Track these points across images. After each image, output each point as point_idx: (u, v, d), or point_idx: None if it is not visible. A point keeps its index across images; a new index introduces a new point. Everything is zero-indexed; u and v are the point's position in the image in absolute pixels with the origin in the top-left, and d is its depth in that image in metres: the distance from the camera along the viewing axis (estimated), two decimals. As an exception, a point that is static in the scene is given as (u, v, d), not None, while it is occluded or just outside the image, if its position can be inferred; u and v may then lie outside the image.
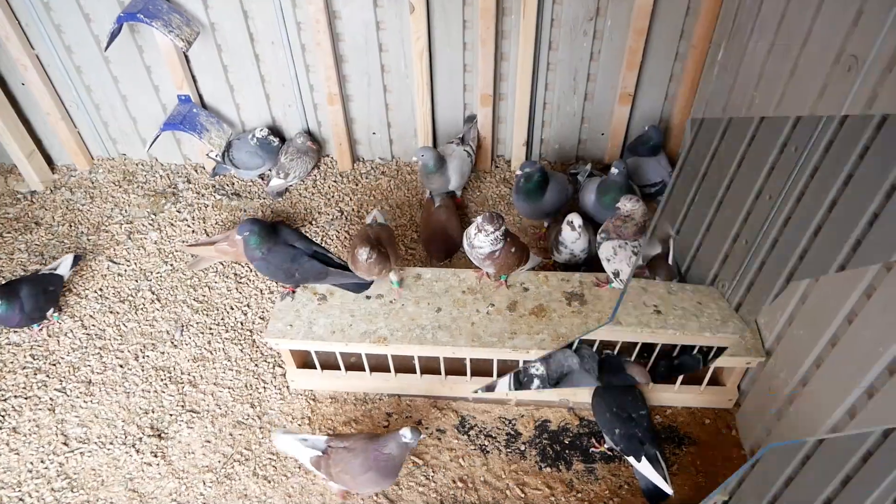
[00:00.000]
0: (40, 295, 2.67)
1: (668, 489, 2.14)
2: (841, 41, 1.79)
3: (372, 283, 2.47)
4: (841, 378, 1.79)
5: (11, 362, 2.69)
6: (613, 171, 2.74)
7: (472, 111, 3.19)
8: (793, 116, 2.04)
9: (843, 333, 1.79)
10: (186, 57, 3.04)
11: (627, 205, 2.29)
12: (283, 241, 2.39)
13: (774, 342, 2.19)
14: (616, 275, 2.31)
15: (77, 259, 2.91)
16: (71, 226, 3.20)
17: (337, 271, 2.41)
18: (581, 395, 2.49)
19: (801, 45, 2.00)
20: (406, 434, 2.02)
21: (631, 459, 2.21)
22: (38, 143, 3.37)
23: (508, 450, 2.41)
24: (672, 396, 2.48)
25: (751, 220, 2.22)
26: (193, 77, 3.13)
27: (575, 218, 2.55)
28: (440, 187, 3.06)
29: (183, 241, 3.10)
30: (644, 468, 2.17)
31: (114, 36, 2.80)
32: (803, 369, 2.00)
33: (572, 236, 2.59)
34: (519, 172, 2.77)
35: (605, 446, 2.39)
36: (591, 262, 2.68)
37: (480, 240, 2.25)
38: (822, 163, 1.87)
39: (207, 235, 3.10)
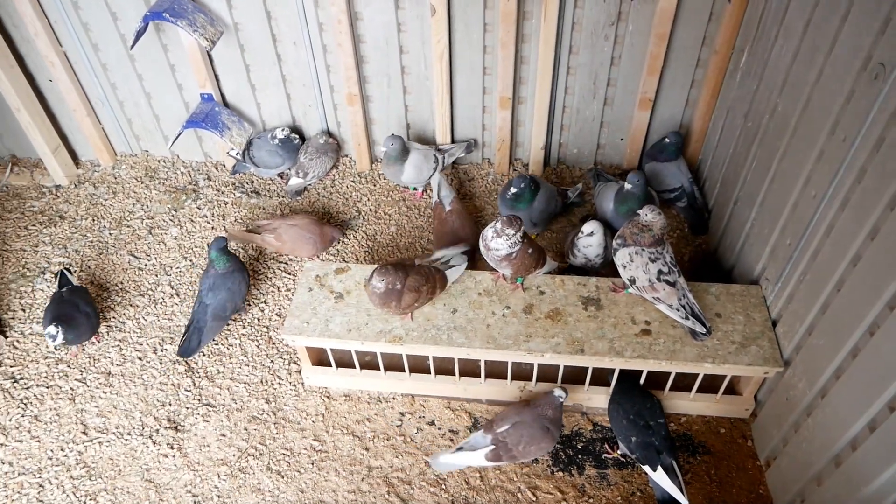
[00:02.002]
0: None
1: (684, 500, 2.11)
2: (868, 48, 1.76)
3: None
4: (862, 390, 1.77)
5: (34, 352, 2.74)
6: (627, 185, 2.71)
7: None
8: (817, 124, 2.02)
9: (864, 345, 1.77)
10: (210, 56, 3.08)
11: (649, 215, 2.25)
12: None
13: (793, 352, 2.16)
14: (632, 281, 2.30)
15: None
16: (94, 220, 3.25)
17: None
18: (595, 401, 2.48)
19: (827, 51, 1.98)
20: (560, 394, 2.25)
21: (646, 468, 2.19)
22: (63, 138, 3.44)
23: (521, 453, 2.41)
24: (687, 404, 2.46)
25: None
26: (216, 76, 3.17)
27: (587, 227, 2.56)
28: (392, 176, 3.12)
29: (201, 239, 3.13)
30: (660, 478, 2.15)
31: (140, 34, 2.85)
32: (823, 380, 1.97)
33: (588, 241, 2.59)
34: (513, 190, 2.77)
35: (619, 452, 2.37)
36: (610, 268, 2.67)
37: (498, 243, 2.25)
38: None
39: (226, 232, 3.14)
